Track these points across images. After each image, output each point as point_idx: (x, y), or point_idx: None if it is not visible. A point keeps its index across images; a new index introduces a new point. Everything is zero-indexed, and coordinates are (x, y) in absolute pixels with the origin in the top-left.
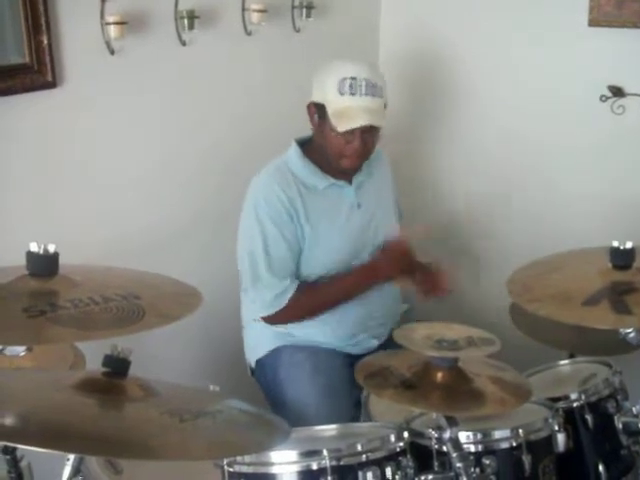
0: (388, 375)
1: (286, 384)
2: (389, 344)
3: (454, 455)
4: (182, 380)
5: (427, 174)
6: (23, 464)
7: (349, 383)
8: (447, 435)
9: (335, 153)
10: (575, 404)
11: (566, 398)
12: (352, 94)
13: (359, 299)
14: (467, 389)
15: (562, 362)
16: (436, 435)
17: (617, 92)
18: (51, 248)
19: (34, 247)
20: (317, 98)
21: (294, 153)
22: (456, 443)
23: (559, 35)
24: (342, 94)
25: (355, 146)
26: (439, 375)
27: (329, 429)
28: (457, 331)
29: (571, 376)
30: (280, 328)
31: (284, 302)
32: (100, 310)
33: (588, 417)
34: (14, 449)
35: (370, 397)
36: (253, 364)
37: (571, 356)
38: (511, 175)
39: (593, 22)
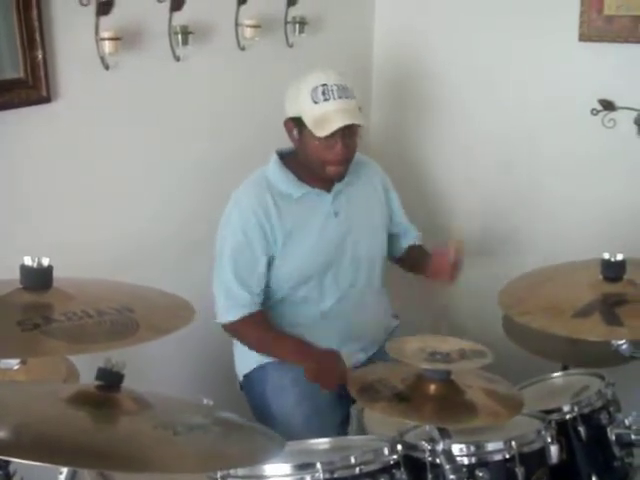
0: (381, 388)
1: (273, 401)
2: (377, 357)
3: (447, 467)
4: (173, 393)
5: (418, 186)
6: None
7: (336, 400)
8: (440, 447)
9: (319, 162)
10: (568, 416)
11: (559, 410)
12: (326, 100)
13: (346, 313)
14: (460, 401)
15: (555, 374)
16: (429, 447)
17: (608, 106)
18: (45, 261)
19: (28, 261)
20: (292, 113)
21: (274, 163)
22: (449, 455)
23: (550, 50)
24: (316, 102)
25: (338, 150)
26: (432, 387)
27: (322, 442)
28: (449, 344)
29: (564, 388)
30: None
31: (238, 316)
32: (94, 323)
33: (581, 429)
34: (7, 464)
35: (364, 410)
36: (241, 378)
37: (564, 367)
38: (502, 188)
39: (583, 37)
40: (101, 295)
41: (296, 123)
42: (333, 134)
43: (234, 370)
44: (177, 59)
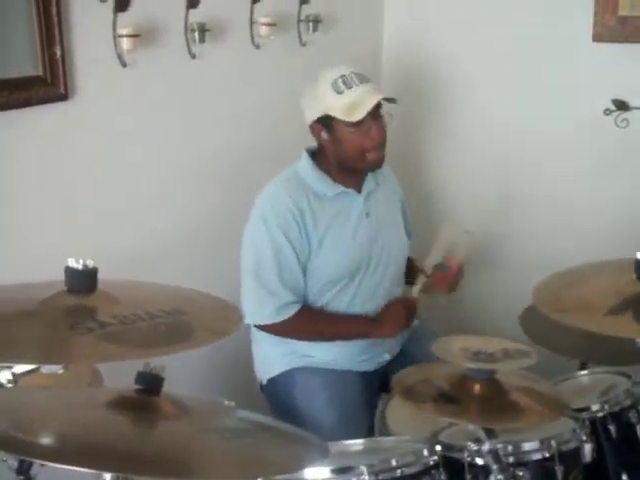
0: (426, 388)
1: (301, 404)
2: (400, 357)
3: (494, 467)
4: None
5: (428, 185)
6: None
7: (365, 404)
8: (486, 447)
9: (359, 153)
10: (598, 415)
11: (587, 409)
12: (349, 88)
13: (373, 313)
14: (504, 401)
15: (580, 373)
16: (475, 448)
17: (621, 106)
18: (90, 263)
19: (72, 262)
20: (316, 114)
21: (306, 162)
22: (496, 455)
23: (563, 50)
24: (341, 92)
25: (374, 134)
26: (476, 387)
27: (356, 444)
28: (492, 344)
29: (591, 387)
30: (293, 344)
31: (285, 315)
32: (149, 327)
33: (611, 427)
34: (29, 468)
35: (387, 411)
36: (264, 381)
37: (582, 365)
38: (514, 188)
39: (597, 37)
40: (145, 297)
41: (323, 123)
42: (365, 118)
43: (252, 371)
44: (193, 57)
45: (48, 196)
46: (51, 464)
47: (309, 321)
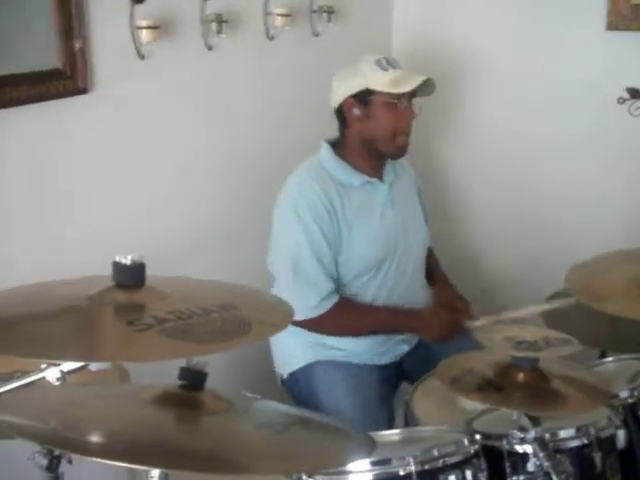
0: (471, 377)
1: (323, 396)
2: (419, 347)
3: (541, 455)
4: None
5: (437, 181)
6: None
7: (384, 398)
8: (532, 435)
9: (389, 133)
10: (629, 401)
11: (616, 396)
12: (394, 68)
13: (395, 303)
14: (547, 389)
15: (606, 360)
16: (521, 435)
17: (635, 94)
18: (138, 258)
19: (120, 257)
20: (355, 88)
21: (327, 153)
22: (542, 442)
23: (577, 38)
24: (386, 69)
25: (407, 117)
26: (520, 376)
27: (392, 434)
28: (533, 332)
29: (617, 374)
30: (313, 337)
31: (327, 307)
32: (206, 322)
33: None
34: (57, 465)
35: (413, 400)
36: (285, 375)
37: (602, 353)
38: (526, 177)
39: (611, 25)
40: (194, 292)
41: (360, 98)
42: (404, 96)
43: (270, 365)
44: (210, 48)
45: (68, 191)
46: (101, 461)
47: (349, 313)
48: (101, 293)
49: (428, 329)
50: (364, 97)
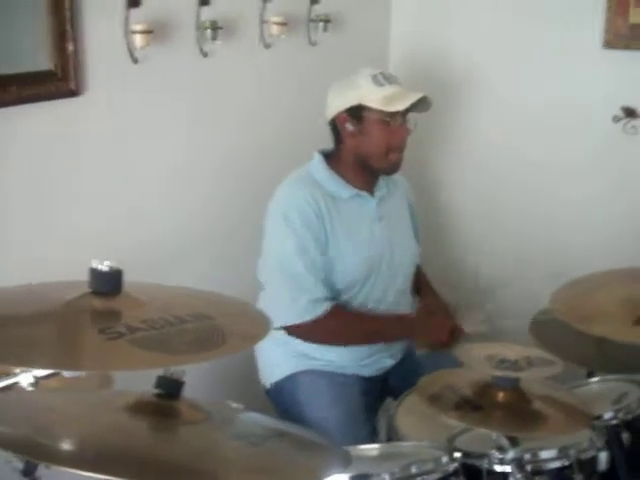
0: (451, 395)
1: (306, 406)
2: (405, 363)
3: (518, 476)
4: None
5: (434, 189)
6: None
7: (367, 410)
8: (510, 456)
9: (382, 149)
10: (612, 422)
11: (599, 417)
12: (390, 83)
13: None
14: (528, 410)
15: (591, 380)
16: (499, 455)
17: (630, 113)
18: (114, 264)
19: (96, 263)
20: (349, 103)
21: (318, 164)
22: (519, 463)
23: (573, 56)
24: (381, 85)
25: (401, 134)
26: (500, 395)
27: (371, 449)
28: (515, 351)
29: (602, 395)
30: (297, 347)
31: (319, 311)
32: (178, 332)
33: (624, 436)
34: (34, 469)
35: (397, 415)
36: (269, 385)
37: (589, 373)
38: (521, 194)
39: (608, 44)
40: (172, 301)
41: (353, 114)
42: (398, 114)
43: (255, 374)
44: (204, 55)
45: (57, 193)
46: (71, 470)
47: (344, 321)
48: (77, 299)
49: (425, 332)
50: (357, 113)
